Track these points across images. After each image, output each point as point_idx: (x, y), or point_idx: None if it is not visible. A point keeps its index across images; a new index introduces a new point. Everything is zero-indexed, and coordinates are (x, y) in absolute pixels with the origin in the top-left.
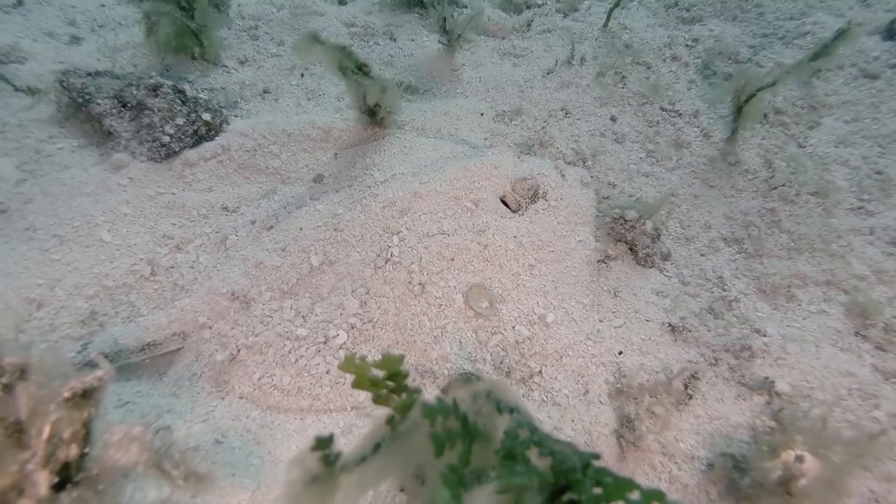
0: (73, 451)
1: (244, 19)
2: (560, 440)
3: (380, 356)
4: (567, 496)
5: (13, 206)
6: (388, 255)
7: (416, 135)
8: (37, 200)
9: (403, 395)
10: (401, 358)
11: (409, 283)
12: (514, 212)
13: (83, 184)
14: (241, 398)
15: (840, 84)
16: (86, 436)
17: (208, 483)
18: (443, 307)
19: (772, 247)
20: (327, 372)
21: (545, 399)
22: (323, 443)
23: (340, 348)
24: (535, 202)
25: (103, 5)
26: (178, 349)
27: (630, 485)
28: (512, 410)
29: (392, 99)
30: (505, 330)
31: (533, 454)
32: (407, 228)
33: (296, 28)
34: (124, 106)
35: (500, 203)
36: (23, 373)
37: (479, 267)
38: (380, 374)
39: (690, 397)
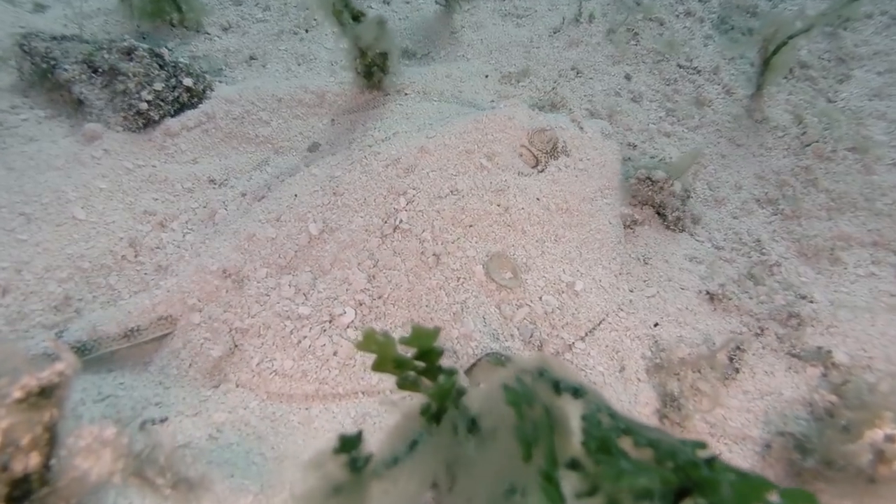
0: (34, 460)
1: None
2: (650, 426)
3: (407, 331)
4: (691, 500)
5: None
6: (396, 222)
7: (418, 98)
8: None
9: (439, 378)
10: (436, 332)
11: (422, 253)
12: (532, 167)
13: (52, 157)
14: (238, 386)
15: (870, 34)
16: (49, 441)
17: (202, 490)
18: (462, 280)
19: (810, 207)
20: (335, 353)
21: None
22: (348, 443)
23: (348, 327)
24: (556, 158)
25: None
26: (166, 335)
27: (766, 484)
28: (576, 391)
29: (388, 43)
30: (532, 301)
31: (625, 445)
32: (414, 188)
33: None
34: (95, 71)
35: (518, 158)
36: None
37: (501, 233)
38: (407, 352)
39: (737, 371)
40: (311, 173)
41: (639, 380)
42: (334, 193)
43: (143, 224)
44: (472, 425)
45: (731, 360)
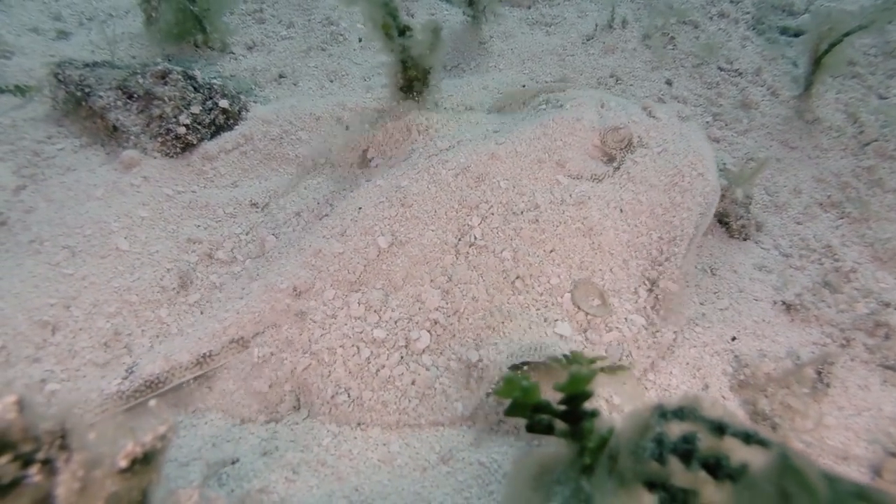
0: None
1: (247, 2)
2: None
3: (565, 376)
4: None
5: (14, 216)
6: (471, 239)
7: (463, 109)
8: (40, 209)
9: (588, 425)
10: (592, 375)
11: (504, 271)
12: (607, 164)
13: (91, 187)
14: (309, 417)
15: None
16: None
17: None
18: (548, 306)
19: (879, 208)
20: (412, 382)
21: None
22: None
23: (423, 352)
24: (633, 152)
25: None
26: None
27: None
28: (749, 437)
29: (437, 54)
30: (620, 324)
31: None
32: (487, 202)
33: (305, 8)
34: (130, 97)
35: (590, 159)
36: (63, 440)
37: (586, 257)
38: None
39: (828, 386)
40: (375, 185)
41: (723, 398)
42: (402, 205)
43: (188, 253)
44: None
45: (819, 374)
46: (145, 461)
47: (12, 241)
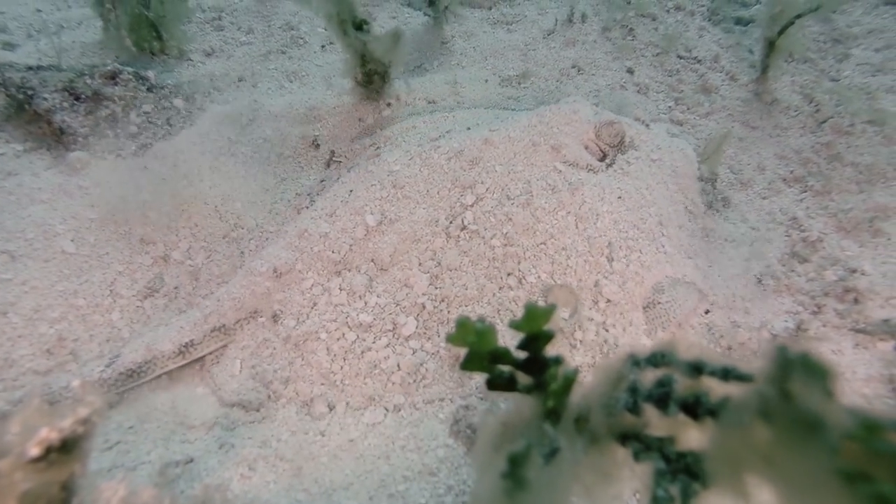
0: None
1: (205, 11)
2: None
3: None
4: None
5: None
6: (463, 221)
7: (426, 102)
8: None
9: (553, 370)
10: (552, 309)
11: (493, 259)
12: (600, 161)
13: (35, 190)
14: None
15: (860, 14)
16: (64, 501)
17: None
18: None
19: (839, 181)
20: (398, 366)
21: None
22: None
23: (410, 338)
24: (624, 152)
25: (39, 10)
26: (222, 347)
27: None
28: (729, 373)
29: (398, 57)
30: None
31: None
32: (482, 182)
33: (265, 15)
34: (77, 98)
35: (584, 150)
36: None
37: (579, 251)
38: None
39: None
40: (366, 169)
41: None
42: (394, 186)
43: (141, 254)
44: (580, 423)
45: (793, 340)
46: (65, 450)
47: None
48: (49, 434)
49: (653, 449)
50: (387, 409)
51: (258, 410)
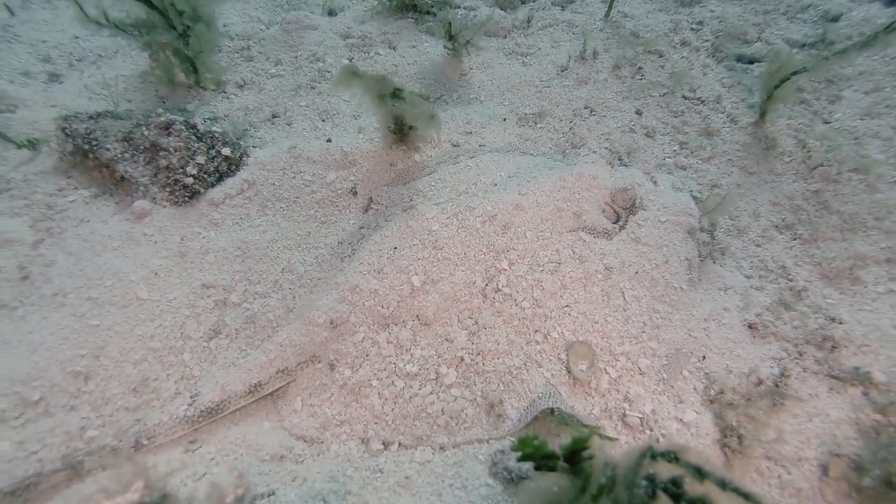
0: None
1: (233, 40)
2: None
3: (570, 434)
4: None
5: (35, 270)
6: (497, 286)
7: (450, 146)
8: (60, 261)
9: (583, 465)
10: (592, 432)
11: (523, 319)
12: (614, 223)
13: (106, 238)
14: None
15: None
16: None
17: None
18: (551, 358)
19: (825, 229)
20: (442, 412)
21: (642, 424)
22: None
23: (451, 386)
24: (635, 213)
25: (77, 37)
26: (286, 385)
27: None
28: (725, 484)
29: (437, 125)
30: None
31: None
32: (514, 249)
33: (291, 45)
34: (136, 149)
35: (601, 214)
36: None
37: (597, 318)
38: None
39: (783, 397)
40: (407, 224)
41: (696, 413)
42: (434, 247)
43: (204, 298)
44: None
45: (777, 385)
46: None
47: (36, 294)
48: None
49: None
50: (434, 449)
51: (319, 444)
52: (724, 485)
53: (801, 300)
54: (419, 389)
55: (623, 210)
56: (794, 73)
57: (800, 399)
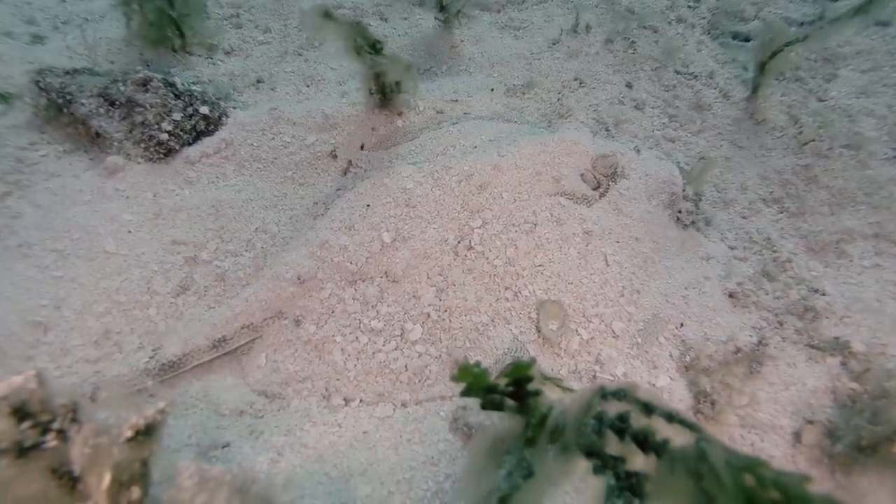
0: (135, 494)
1: (223, 7)
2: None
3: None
4: None
5: (1, 221)
6: (470, 243)
7: (434, 112)
8: (27, 214)
9: (532, 401)
10: (532, 362)
11: (493, 276)
12: (594, 189)
13: (76, 192)
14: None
15: (851, 34)
16: (145, 475)
17: None
18: (520, 314)
19: (813, 203)
20: (405, 367)
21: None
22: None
23: (417, 342)
24: (616, 181)
25: (64, 1)
26: (251, 341)
27: None
28: (671, 417)
29: (413, 77)
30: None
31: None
32: (489, 208)
33: (281, 14)
34: (112, 104)
35: (580, 180)
36: (74, 414)
37: (570, 279)
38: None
39: (761, 365)
40: (381, 182)
41: (671, 378)
42: (407, 205)
43: (174, 254)
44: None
45: (755, 353)
46: (147, 433)
47: (0, 245)
48: (138, 420)
49: (608, 466)
50: (395, 405)
51: (281, 399)
52: (670, 418)
53: (785, 271)
54: (383, 345)
55: (604, 177)
56: (787, 44)
57: (776, 367)
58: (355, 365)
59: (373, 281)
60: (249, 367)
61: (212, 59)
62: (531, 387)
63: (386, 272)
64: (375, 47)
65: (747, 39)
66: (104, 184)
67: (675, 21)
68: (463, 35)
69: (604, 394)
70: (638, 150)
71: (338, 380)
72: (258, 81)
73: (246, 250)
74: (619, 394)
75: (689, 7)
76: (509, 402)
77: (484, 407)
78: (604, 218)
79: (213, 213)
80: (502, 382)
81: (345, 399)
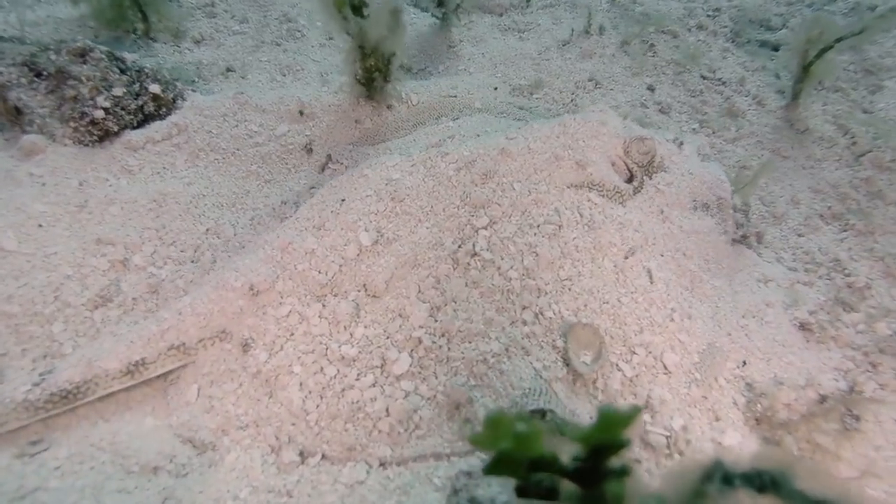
0: None
1: None
2: None
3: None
4: None
5: None
6: (473, 248)
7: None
8: None
9: (606, 487)
10: (636, 412)
11: (508, 291)
12: (627, 182)
13: None
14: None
15: (892, 46)
16: None
17: None
18: (544, 346)
19: (883, 221)
20: (387, 411)
21: (669, 446)
22: None
23: (401, 378)
24: (652, 175)
25: None
26: (179, 367)
27: None
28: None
29: (398, 40)
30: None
31: None
32: (498, 203)
33: (261, 5)
34: (38, 75)
35: (611, 169)
36: None
37: (612, 292)
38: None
39: (858, 419)
40: (361, 174)
41: (740, 435)
42: (392, 199)
43: (97, 256)
44: None
45: (847, 402)
46: None
47: None
48: None
49: None
50: (370, 465)
51: (213, 451)
52: None
53: (865, 299)
54: (356, 380)
55: (638, 167)
56: (839, 39)
57: (880, 423)
58: (318, 406)
59: (346, 295)
60: (176, 402)
61: (178, 46)
62: (616, 462)
63: (364, 284)
64: (358, 9)
65: (776, 48)
66: (16, 167)
67: (695, 28)
68: (462, 35)
69: (727, 477)
70: (680, 143)
71: (293, 425)
72: (228, 70)
73: (191, 257)
74: (757, 479)
75: (709, 16)
76: (569, 485)
77: (522, 493)
78: (646, 223)
79: (155, 208)
80: (568, 451)
81: (301, 453)
